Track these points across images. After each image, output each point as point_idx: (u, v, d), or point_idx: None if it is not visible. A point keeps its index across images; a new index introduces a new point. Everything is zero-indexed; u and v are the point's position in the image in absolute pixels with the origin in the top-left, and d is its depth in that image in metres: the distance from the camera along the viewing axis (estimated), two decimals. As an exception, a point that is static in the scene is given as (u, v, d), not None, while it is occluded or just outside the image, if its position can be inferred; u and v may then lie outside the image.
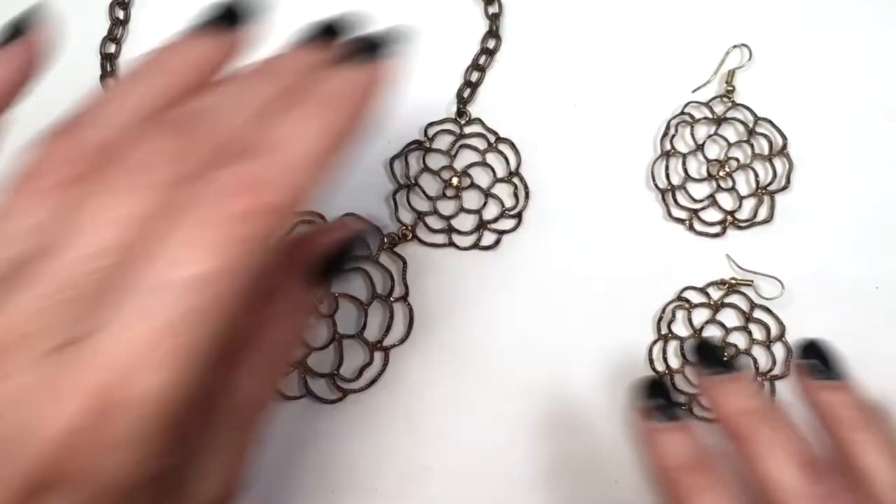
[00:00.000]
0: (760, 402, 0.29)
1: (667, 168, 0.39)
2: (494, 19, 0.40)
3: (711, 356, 0.31)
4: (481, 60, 0.40)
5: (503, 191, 0.39)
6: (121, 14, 0.41)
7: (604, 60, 0.40)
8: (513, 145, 0.39)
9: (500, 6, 0.41)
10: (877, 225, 0.39)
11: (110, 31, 0.40)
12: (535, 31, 0.41)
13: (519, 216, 0.38)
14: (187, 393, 0.19)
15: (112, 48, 0.40)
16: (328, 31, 0.24)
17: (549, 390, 0.37)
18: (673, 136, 0.39)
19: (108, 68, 0.40)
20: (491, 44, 0.40)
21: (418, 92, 0.39)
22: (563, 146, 0.39)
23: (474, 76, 0.40)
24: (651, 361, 0.38)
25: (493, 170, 0.39)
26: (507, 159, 0.39)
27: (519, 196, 0.38)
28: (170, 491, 0.23)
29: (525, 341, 0.38)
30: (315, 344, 0.37)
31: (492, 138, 0.39)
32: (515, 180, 0.39)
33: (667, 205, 0.39)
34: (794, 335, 0.38)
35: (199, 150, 0.20)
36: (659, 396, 0.30)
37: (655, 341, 0.38)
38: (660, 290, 0.39)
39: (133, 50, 0.40)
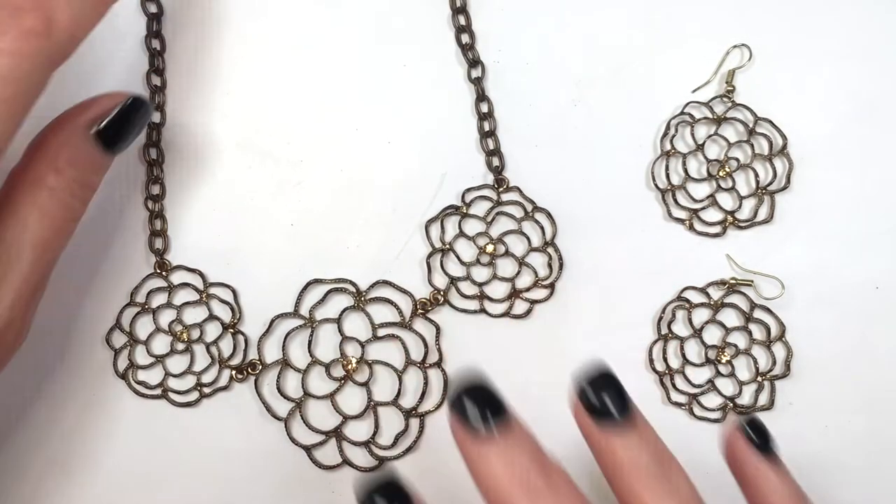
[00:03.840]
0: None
1: (667, 168, 0.39)
2: (478, 83, 0.39)
3: None
4: (486, 127, 0.39)
5: (537, 260, 0.39)
6: (157, 81, 0.39)
7: (603, 61, 0.40)
8: (549, 215, 0.39)
9: (483, 69, 0.40)
10: (877, 225, 0.39)
11: (150, 100, 0.38)
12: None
13: (552, 287, 0.38)
14: None
15: (158, 117, 0.39)
16: None
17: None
18: (673, 136, 0.39)
19: (155, 137, 0.38)
20: (484, 107, 0.39)
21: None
22: (562, 146, 0.39)
23: (491, 144, 0.39)
24: (651, 361, 0.38)
25: (528, 238, 0.39)
26: (542, 229, 0.39)
27: (553, 266, 0.38)
28: None
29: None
30: (351, 412, 0.37)
31: (529, 207, 0.39)
32: (550, 250, 0.38)
33: (667, 205, 0.39)
34: (794, 335, 0.38)
35: None
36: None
37: (655, 341, 0.38)
38: (660, 290, 0.39)
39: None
